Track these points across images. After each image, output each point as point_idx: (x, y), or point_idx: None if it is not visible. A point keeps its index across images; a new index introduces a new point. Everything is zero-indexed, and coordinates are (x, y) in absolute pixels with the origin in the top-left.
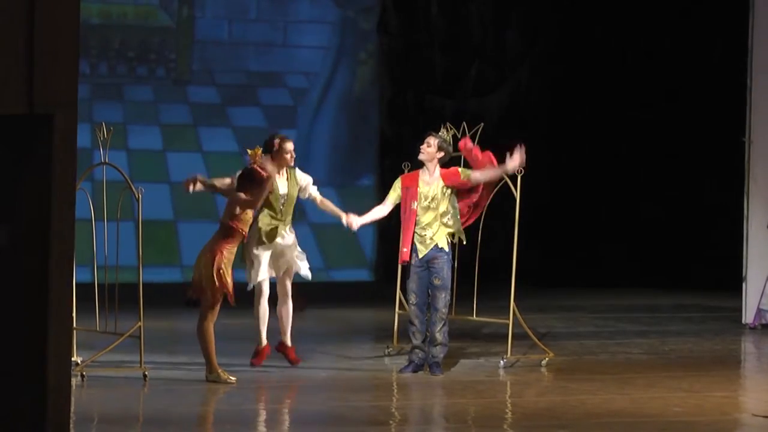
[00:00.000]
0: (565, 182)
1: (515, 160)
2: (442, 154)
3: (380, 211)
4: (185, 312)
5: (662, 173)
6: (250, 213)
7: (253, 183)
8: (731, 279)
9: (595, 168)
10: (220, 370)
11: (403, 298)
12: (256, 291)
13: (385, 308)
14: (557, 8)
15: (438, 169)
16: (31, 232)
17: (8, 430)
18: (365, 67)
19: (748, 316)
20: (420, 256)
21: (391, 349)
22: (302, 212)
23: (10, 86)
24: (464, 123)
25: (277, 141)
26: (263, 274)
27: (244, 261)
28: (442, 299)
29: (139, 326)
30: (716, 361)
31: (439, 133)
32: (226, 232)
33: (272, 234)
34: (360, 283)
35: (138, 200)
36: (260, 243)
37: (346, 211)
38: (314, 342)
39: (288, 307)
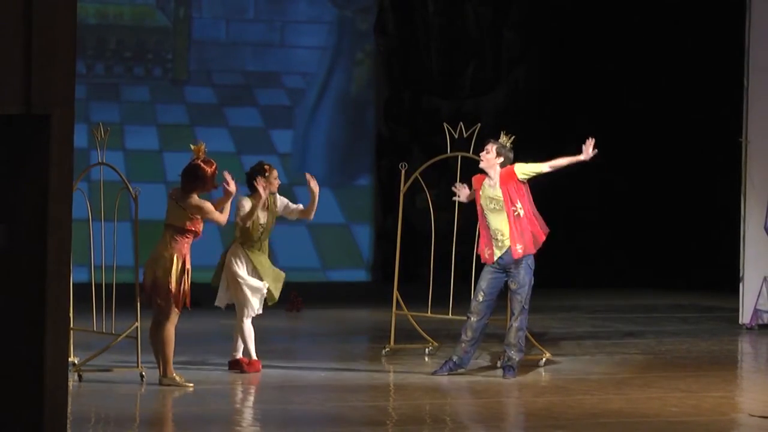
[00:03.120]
0: (562, 182)
1: (589, 151)
2: (501, 159)
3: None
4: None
5: (660, 174)
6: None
7: (197, 180)
8: (728, 279)
9: (591, 168)
10: (176, 375)
11: (400, 299)
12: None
13: (383, 309)
14: (554, 8)
15: (498, 173)
16: (28, 232)
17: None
18: (362, 68)
19: (745, 317)
20: (496, 257)
21: (388, 349)
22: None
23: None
24: (461, 123)
25: (267, 166)
26: (257, 306)
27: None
28: (518, 303)
29: (136, 326)
30: (713, 362)
31: (499, 140)
32: (179, 231)
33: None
34: (357, 283)
35: (135, 200)
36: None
37: (343, 212)
38: (311, 342)
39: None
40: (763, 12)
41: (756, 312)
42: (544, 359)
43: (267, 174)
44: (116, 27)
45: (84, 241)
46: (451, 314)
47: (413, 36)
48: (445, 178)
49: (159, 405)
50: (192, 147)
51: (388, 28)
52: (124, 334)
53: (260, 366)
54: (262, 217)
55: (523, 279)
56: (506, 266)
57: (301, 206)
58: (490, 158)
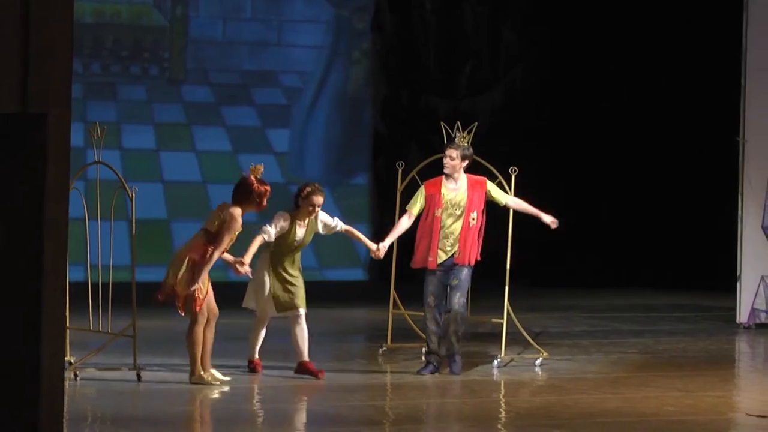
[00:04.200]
0: (559, 181)
1: (552, 220)
2: (466, 162)
3: (404, 224)
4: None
5: (657, 173)
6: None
7: (245, 193)
8: (725, 279)
9: (589, 167)
10: (204, 374)
11: (397, 298)
12: (258, 316)
13: (379, 308)
14: (553, 7)
15: (465, 176)
16: (24, 232)
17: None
18: (359, 67)
19: (743, 316)
20: (440, 261)
21: (385, 348)
22: None
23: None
24: (458, 122)
25: (307, 190)
26: (271, 310)
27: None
28: (460, 294)
29: (133, 326)
30: (710, 361)
31: (456, 142)
32: (208, 237)
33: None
34: (354, 282)
35: (131, 199)
36: (270, 273)
37: (340, 210)
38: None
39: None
40: (761, 11)
41: (753, 311)
42: (540, 358)
43: (304, 197)
44: (113, 26)
45: (80, 240)
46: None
47: (410, 35)
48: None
49: (156, 405)
50: (251, 166)
51: (385, 27)
52: (121, 333)
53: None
54: (299, 233)
55: (465, 276)
56: (447, 269)
57: (344, 226)
58: (456, 164)
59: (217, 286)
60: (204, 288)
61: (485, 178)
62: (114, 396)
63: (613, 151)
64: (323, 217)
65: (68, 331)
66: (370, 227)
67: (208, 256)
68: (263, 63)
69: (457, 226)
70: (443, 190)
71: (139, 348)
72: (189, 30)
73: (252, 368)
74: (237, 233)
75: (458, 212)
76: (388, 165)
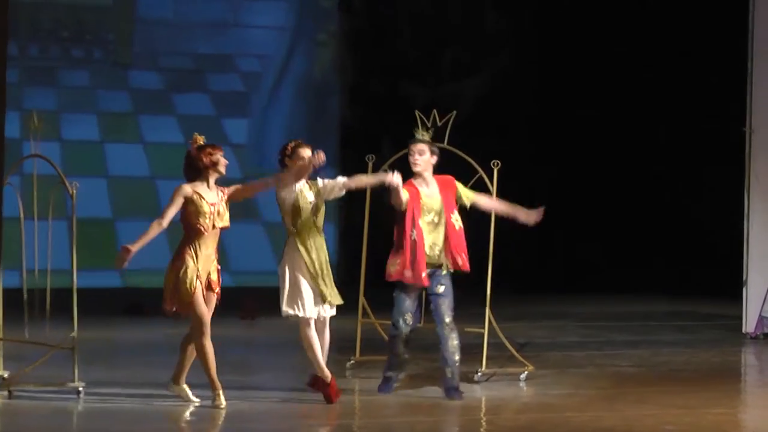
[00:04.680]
0: (548, 177)
1: (534, 216)
2: (435, 158)
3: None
4: (124, 321)
5: (654, 166)
6: (198, 204)
7: (185, 164)
8: (730, 284)
9: (582, 162)
10: (183, 387)
11: (367, 306)
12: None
13: (347, 316)
14: None
15: (433, 178)
16: None
17: None
18: (325, 50)
19: (749, 325)
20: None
21: (353, 361)
22: (254, 209)
23: None
24: (434, 111)
25: (291, 146)
26: (311, 311)
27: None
28: (448, 308)
29: (73, 337)
30: (714, 375)
31: (420, 136)
32: (185, 229)
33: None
34: None
35: (72, 196)
36: (300, 268)
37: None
38: (268, 354)
39: (327, 338)
40: None
41: (761, 320)
42: (526, 372)
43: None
44: (52, 4)
45: (16, 241)
46: (423, 322)
47: (383, 14)
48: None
49: (97, 424)
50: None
51: (354, 6)
52: (60, 346)
53: (332, 391)
54: (307, 194)
55: (449, 282)
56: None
57: (343, 179)
58: (426, 159)
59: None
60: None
61: (454, 181)
62: (52, 415)
63: (607, 144)
64: (320, 183)
65: (2, 342)
66: (338, 227)
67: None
68: (219, 46)
69: (440, 234)
70: (420, 194)
71: (80, 361)
72: (136, 9)
73: (326, 395)
74: (191, 206)
75: (437, 219)
76: (357, 159)
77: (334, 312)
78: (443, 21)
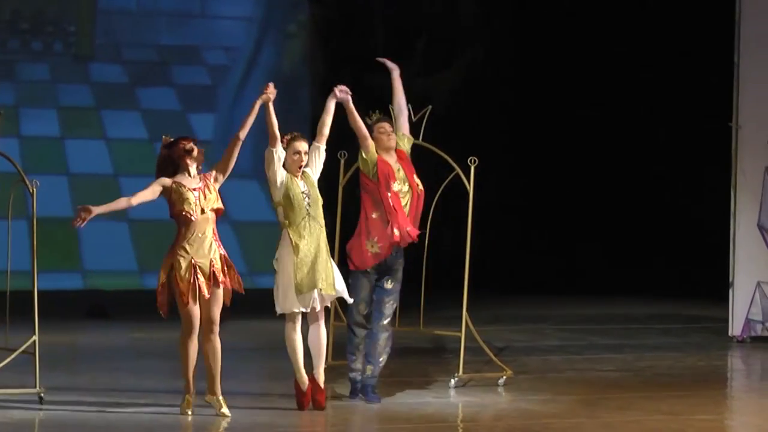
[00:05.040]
0: (526, 174)
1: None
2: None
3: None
4: (88, 324)
5: (637, 163)
6: (179, 191)
7: (157, 163)
8: (717, 285)
9: (558, 158)
10: (189, 396)
11: (339, 308)
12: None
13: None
14: None
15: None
16: None
17: None
18: (295, 41)
19: (736, 328)
20: (391, 253)
21: (325, 367)
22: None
23: None
24: (408, 106)
25: (287, 138)
26: (292, 304)
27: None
28: (391, 306)
29: (34, 341)
30: (700, 380)
31: (377, 115)
32: (176, 228)
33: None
34: None
35: (32, 194)
36: (289, 262)
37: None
38: (237, 359)
39: (319, 334)
40: None
41: (748, 322)
42: (504, 377)
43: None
44: None
45: None
46: (398, 324)
47: (354, 5)
48: None
49: (59, 431)
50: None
51: None
52: (20, 350)
53: (305, 399)
54: (300, 184)
55: (401, 277)
56: (389, 264)
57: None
58: (393, 137)
59: None
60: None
61: (402, 149)
62: (11, 422)
63: (587, 139)
64: (309, 170)
65: None
66: None
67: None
68: (184, 37)
69: (407, 206)
70: (393, 166)
71: (42, 366)
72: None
73: (298, 401)
74: (184, 194)
75: (405, 188)
76: (329, 154)
77: (327, 303)
78: (415, 11)
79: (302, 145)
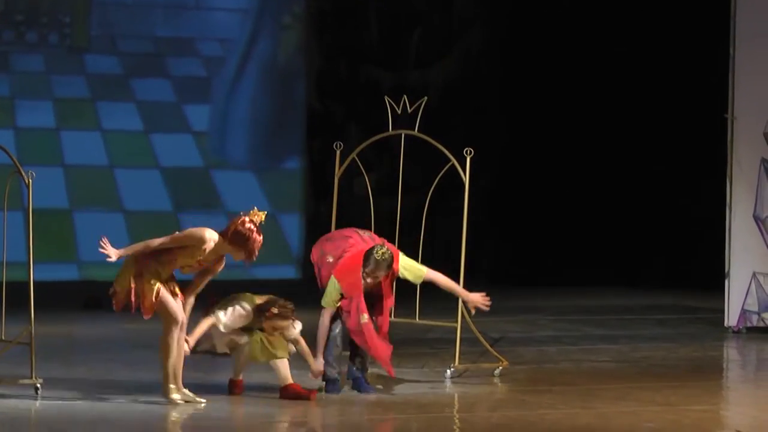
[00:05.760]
0: (521, 166)
1: (479, 299)
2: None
3: (328, 327)
4: (83, 315)
5: (632, 153)
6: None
7: (237, 233)
8: (712, 276)
9: (556, 150)
10: (172, 387)
11: None
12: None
13: (313, 311)
14: None
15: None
16: None
17: None
18: (290, 33)
19: (731, 318)
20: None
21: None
22: (218, 200)
23: None
24: (404, 97)
25: (273, 311)
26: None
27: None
28: None
29: (30, 332)
30: (695, 370)
31: (381, 258)
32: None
33: None
34: (284, 281)
35: (28, 186)
36: None
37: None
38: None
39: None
40: None
41: (744, 313)
42: (500, 368)
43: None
44: None
45: None
46: (394, 316)
47: None
48: (386, 160)
49: (56, 423)
50: (251, 212)
51: None
52: (16, 341)
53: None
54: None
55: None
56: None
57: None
58: (379, 281)
59: None
60: (152, 287)
61: (397, 260)
62: (8, 413)
63: (583, 130)
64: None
65: None
66: (304, 217)
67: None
68: (179, 29)
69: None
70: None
71: (38, 358)
72: None
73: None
74: (199, 254)
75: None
76: (323, 146)
77: None
78: (410, 3)
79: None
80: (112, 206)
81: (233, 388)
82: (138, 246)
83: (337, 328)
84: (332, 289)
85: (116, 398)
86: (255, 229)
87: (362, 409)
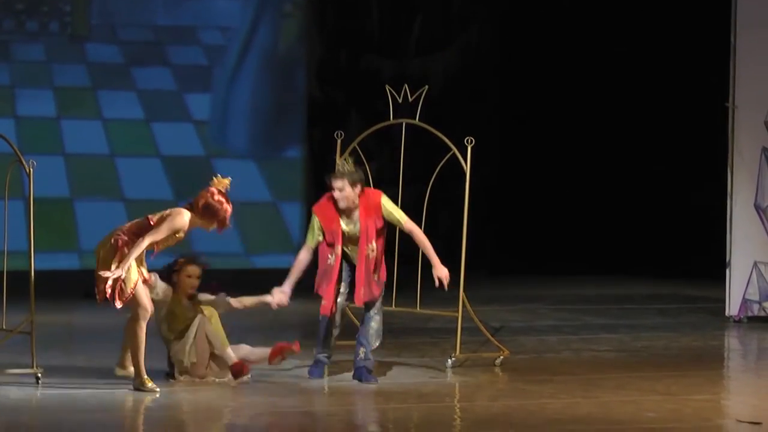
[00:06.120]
0: (522, 155)
1: (443, 275)
2: (359, 187)
3: (304, 260)
4: (84, 304)
5: (632, 142)
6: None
7: (205, 205)
8: (713, 265)
9: (556, 139)
10: (145, 378)
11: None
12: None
13: (314, 300)
14: None
15: (359, 205)
16: None
17: None
18: (291, 21)
19: (733, 308)
20: (340, 304)
21: None
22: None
23: None
24: (405, 86)
25: (181, 261)
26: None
27: None
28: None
29: (31, 321)
30: (696, 360)
31: (339, 168)
32: (145, 226)
33: None
34: (286, 270)
35: (29, 175)
36: None
37: (269, 188)
38: (233, 339)
39: None
40: None
41: (745, 302)
42: (501, 357)
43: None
44: None
45: None
46: (395, 305)
47: None
48: (387, 149)
49: (56, 411)
50: (215, 179)
51: None
52: (17, 330)
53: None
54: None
55: (373, 307)
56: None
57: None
58: (349, 194)
59: None
60: (132, 279)
61: (380, 194)
62: (9, 402)
63: (584, 119)
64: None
65: None
66: (305, 207)
67: (138, 242)
68: (180, 17)
69: (354, 259)
70: (341, 221)
71: (38, 347)
72: None
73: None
74: (178, 235)
75: (353, 245)
76: (324, 135)
77: None
78: None
79: (196, 271)
80: (113, 195)
81: (238, 373)
82: (134, 253)
83: (338, 315)
84: (312, 225)
85: (116, 387)
86: (224, 199)
87: (363, 399)
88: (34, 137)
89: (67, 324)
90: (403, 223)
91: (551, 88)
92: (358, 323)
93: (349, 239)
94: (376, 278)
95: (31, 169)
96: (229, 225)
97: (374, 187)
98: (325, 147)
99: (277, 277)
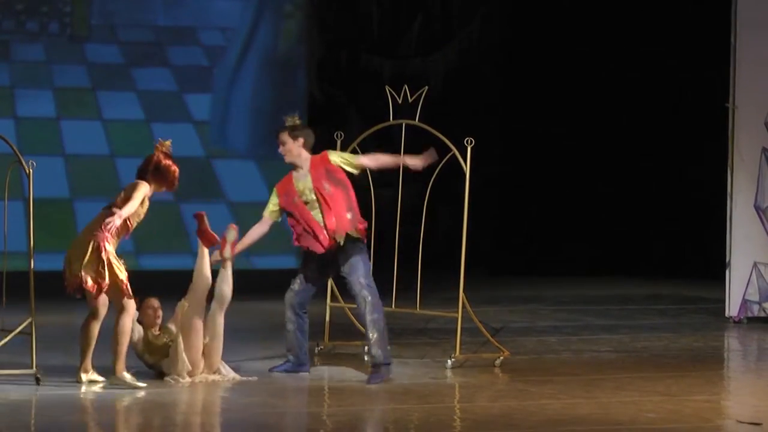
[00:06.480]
0: (522, 156)
1: (424, 159)
2: (301, 140)
3: (257, 229)
4: (84, 304)
5: (633, 143)
6: (145, 206)
7: (155, 171)
8: (713, 266)
9: (557, 139)
10: (84, 373)
11: (335, 289)
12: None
13: (315, 300)
14: None
15: (308, 159)
16: None
17: None
18: (291, 22)
19: (732, 308)
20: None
21: (321, 347)
22: (219, 189)
23: None
24: (405, 86)
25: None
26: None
27: None
28: (357, 285)
29: (31, 322)
30: (696, 360)
31: (285, 125)
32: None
33: None
34: (285, 270)
35: (28, 176)
36: None
37: (268, 188)
38: (233, 339)
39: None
40: None
41: (745, 303)
42: (501, 358)
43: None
44: None
45: None
46: (394, 306)
47: None
48: (387, 149)
49: (56, 412)
50: (156, 143)
51: None
52: (17, 331)
53: None
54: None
55: (356, 257)
56: (332, 256)
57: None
58: (291, 147)
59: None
60: (123, 269)
61: (326, 151)
62: (8, 403)
63: (584, 119)
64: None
65: None
66: None
67: (117, 213)
68: (180, 18)
69: (318, 212)
70: (294, 181)
71: (38, 347)
72: None
73: None
74: (144, 208)
75: (312, 197)
76: (324, 136)
77: None
78: None
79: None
80: (113, 196)
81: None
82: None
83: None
84: (270, 197)
85: (116, 387)
86: (171, 161)
87: (363, 399)
88: (34, 138)
89: (67, 325)
90: (356, 159)
91: (551, 88)
92: (358, 324)
93: (305, 194)
94: (349, 216)
95: (31, 170)
96: (177, 186)
97: (374, 187)
98: (325, 147)
99: (278, 277)
